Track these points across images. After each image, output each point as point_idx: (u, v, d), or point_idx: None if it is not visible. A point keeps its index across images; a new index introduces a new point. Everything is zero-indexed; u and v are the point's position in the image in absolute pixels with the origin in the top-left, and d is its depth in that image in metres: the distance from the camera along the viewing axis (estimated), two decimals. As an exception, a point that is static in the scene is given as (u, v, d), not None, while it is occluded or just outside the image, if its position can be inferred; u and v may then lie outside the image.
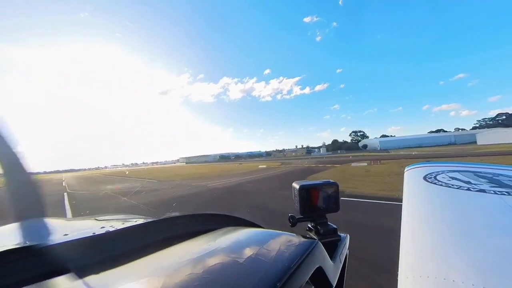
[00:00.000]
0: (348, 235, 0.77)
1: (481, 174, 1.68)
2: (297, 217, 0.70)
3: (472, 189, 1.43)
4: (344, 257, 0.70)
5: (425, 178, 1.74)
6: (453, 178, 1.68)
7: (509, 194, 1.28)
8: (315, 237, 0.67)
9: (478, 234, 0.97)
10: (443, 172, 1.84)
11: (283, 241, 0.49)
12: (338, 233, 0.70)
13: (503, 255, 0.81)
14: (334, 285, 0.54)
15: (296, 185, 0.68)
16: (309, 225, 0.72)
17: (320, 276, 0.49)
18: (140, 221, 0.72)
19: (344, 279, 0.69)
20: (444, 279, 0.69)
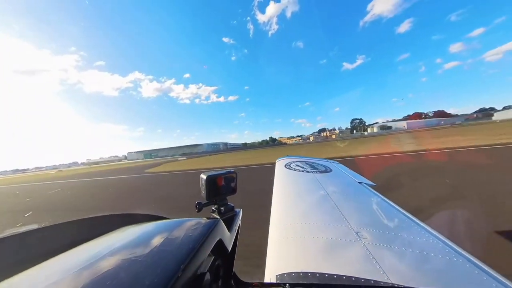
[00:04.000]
0: (241, 209, 0.94)
1: (308, 162, 2.83)
2: (203, 203, 0.78)
3: (304, 171, 2.37)
4: (238, 226, 0.86)
5: (285, 166, 2.56)
6: (297, 166, 2.66)
7: (316, 172, 2.30)
8: (217, 216, 0.78)
9: (306, 195, 1.63)
10: (294, 162, 2.82)
11: (188, 227, 0.54)
12: (235, 209, 0.85)
13: (314, 205, 1.43)
14: (229, 249, 0.67)
15: (203, 176, 0.77)
16: (213, 208, 0.83)
17: (220, 246, 0.59)
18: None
19: (237, 242, 0.85)
20: (300, 237, 1.06)
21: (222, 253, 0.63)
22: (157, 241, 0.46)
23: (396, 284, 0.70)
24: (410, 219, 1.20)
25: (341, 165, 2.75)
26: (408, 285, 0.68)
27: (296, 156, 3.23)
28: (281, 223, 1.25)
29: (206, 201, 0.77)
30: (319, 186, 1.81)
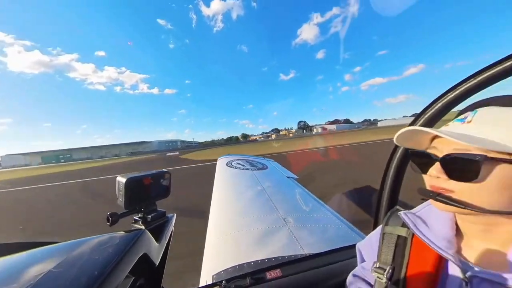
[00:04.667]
0: (174, 214, 0.86)
1: (248, 160, 3.04)
2: (119, 213, 0.64)
3: (244, 169, 2.54)
4: (170, 234, 0.77)
5: (227, 164, 2.61)
6: (238, 164, 2.79)
7: (254, 170, 2.52)
8: (142, 226, 0.67)
9: (246, 191, 1.75)
10: (235, 160, 2.92)
11: (94, 246, 0.44)
12: (166, 215, 0.77)
13: (252, 200, 1.57)
14: (157, 262, 0.59)
15: (122, 179, 0.62)
16: (135, 217, 0.70)
17: (144, 261, 0.51)
18: None
19: (168, 252, 0.76)
20: (238, 231, 1.11)
21: (147, 268, 0.56)
22: (39, 272, 0.35)
23: (308, 253, 0.94)
24: (318, 202, 1.61)
25: (275, 162, 3.17)
26: (314, 252, 0.94)
27: (237, 155, 3.36)
28: (221, 221, 1.29)
29: (125, 210, 0.64)
30: (257, 182, 2.01)
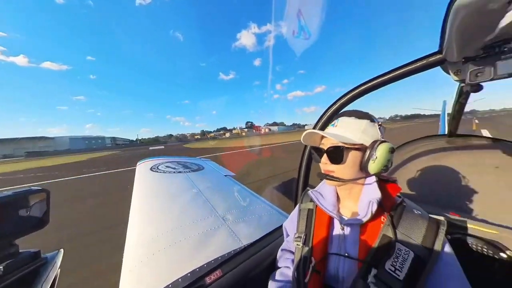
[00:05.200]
0: (61, 250, 0.60)
1: (180, 162, 2.74)
2: None
3: (175, 172, 2.26)
4: (53, 278, 0.53)
5: (151, 168, 2.20)
6: (167, 167, 2.44)
7: (189, 172, 2.32)
8: None
9: (180, 196, 1.56)
10: (163, 163, 2.54)
11: None
12: (43, 255, 0.52)
13: (188, 205, 1.43)
14: None
15: None
16: None
17: None
18: None
19: None
20: (175, 243, 0.94)
21: None
22: None
23: (246, 245, 1.01)
24: (254, 195, 1.76)
25: (212, 162, 3.07)
26: (251, 241, 1.02)
27: (164, 157, 2.92)
28: (145, 239, 1.08)
29: None
30: (192, 185, 1.87)
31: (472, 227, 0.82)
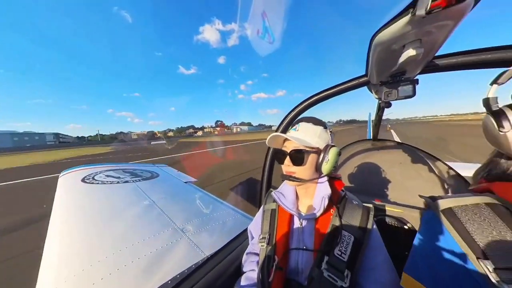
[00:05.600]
0: None
1: (126, 170, 2.32)
2: None
3: (120, 182, 1.89)
4: None
5: (83, 180, 1.76)
6: (108, 176, 2.01)
7: (139, 181, 1.99)
8: None
9: (125, 211, 1.30)
10: (100, 172, 2.08)
11: None
12: None
13: (136, 220, 1.22)
14: None
15: None
16: None
17: None
18: None
19: None
20: (118, 269, 0.76)
21: None
22: None
23: (209, 255, 0.95)
24: (218, 201, 1.68)
25: (169, 168, 2.74)
26: (214, 251, 0.97)
27: (104, 164, 2.40)
28: (77, 270, 0.85)
29: None
30: (143, 196, 1.61)
31: (388, 209, 1.09)
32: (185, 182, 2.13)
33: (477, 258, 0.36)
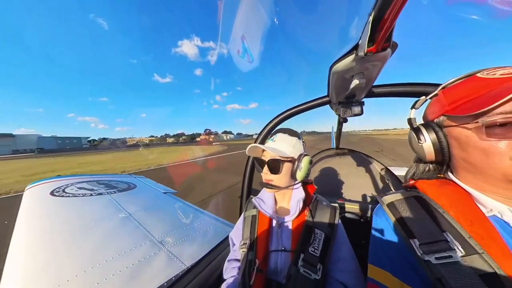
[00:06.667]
0: None
1: (101, 181, 2.19)
2: None
3: (94, 194, 1.78)
4: None
5: (52, 193, 1.64)
6: (81, 188, 1.88)
7: (114, 193, 1.90)
8: None
9: (98, 226, 1.24)
10: (72, 184, 1.94)
11: None
12: None
13: (111, 235, 1.17)
14: None
15: None
16: None
17: None
18: None
19: None
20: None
21: None
22: None
23: (190, 266, 0.96)
24: (199, 210, 1.68)
25: (147, 179, 2.63)
26: (195, 261, 0.98)
27: (77, 175, 2.24)
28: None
29: None
30: (119, 208, 1.54)
31: (348, 206, 1.31)
32: (164, 193, 2.07)
33: (410, 238, 0.46)
